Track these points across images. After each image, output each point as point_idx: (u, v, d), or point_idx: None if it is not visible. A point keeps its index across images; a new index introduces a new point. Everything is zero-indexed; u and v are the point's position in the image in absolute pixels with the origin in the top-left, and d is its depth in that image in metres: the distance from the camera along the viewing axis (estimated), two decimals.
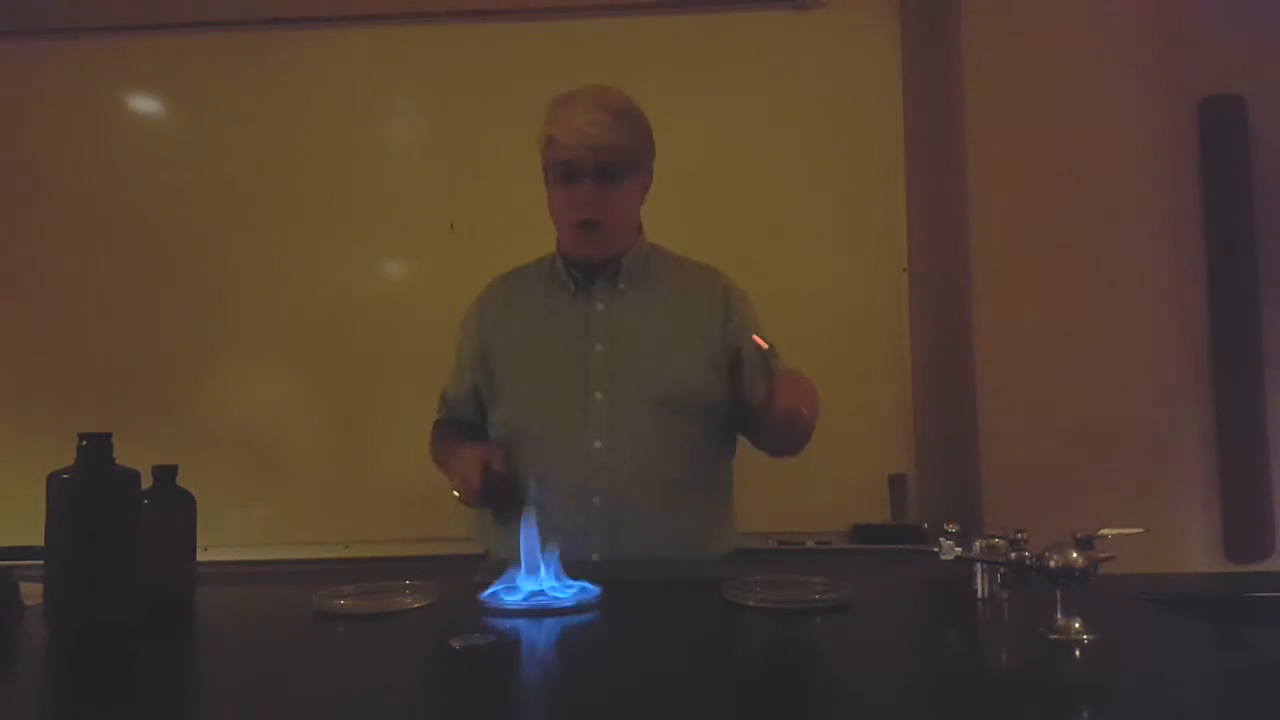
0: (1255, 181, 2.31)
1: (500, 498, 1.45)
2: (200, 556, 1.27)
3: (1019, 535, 1.07)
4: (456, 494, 1.50)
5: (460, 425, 1.70)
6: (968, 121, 2.38)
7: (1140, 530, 1.02)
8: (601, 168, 1.50)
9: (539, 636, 1.06)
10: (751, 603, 1.14)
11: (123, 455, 1.10)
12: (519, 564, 1.17)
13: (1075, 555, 0.96)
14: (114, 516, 1.08)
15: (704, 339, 1.57)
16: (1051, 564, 0.97)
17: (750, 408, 1.49)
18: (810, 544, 2.23)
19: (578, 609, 1.14)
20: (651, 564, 1.43)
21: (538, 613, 1.13)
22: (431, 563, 2.15)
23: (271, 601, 1.42)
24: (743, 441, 1.65)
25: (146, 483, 1.16)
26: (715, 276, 1.65)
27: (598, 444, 1.50)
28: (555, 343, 1.57)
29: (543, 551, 1.17)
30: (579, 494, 1.49)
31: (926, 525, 2.29)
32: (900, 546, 2.24)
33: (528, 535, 1.17)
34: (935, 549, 1.15)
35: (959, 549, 1.13)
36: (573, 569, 1.19)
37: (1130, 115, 2.35)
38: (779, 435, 1.49)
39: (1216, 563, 2.24)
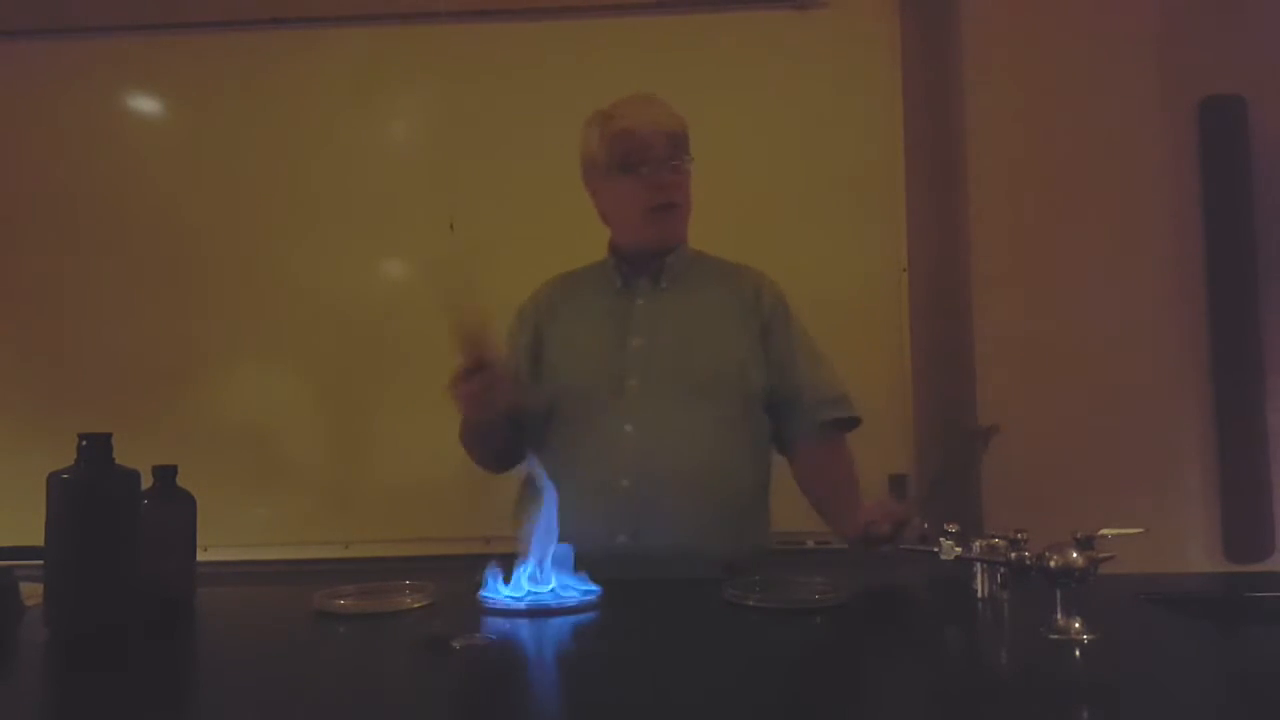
0: (1255, 181, 2.30)
1: (490, 402, 1.44)
2: (200, 556, 1.27)
3: (1019, 535, 1.07)
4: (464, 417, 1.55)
5: None
6: (968, 121, 2.38)
7: (1140, 530, 1.02)
8: (673, 151, 1.57)
9: (539, 636, 1.06)
10: (751, 603, 1.14)
11: (123, 455, 1.10)
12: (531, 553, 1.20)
13: (1075, 555, 0.97)
14: (114, 516, 1.08)
15: (741, 323, 1.62)
16: (1051, 564, 0.98)
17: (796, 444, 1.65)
18: (810, 544, 2.22)
19: (578, 609, 1.15)
20: (674, 556, 1.42)
21: (538, 613, 1.13)
22: (431, 563, 2.15)
23: (271, 601, 1.42)
24: None
25: (146, 483, 1.16)
26: (751, 271, 1.71)
27: (629, 428, 1.52)
28: (597, 334, 1.62)
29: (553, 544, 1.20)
30: (608, 476, 1.49)
31: (926, 525, 2.29)
32: (900, 546, 2.24)
33: (546, 523, 1.20)
34: (935, 549, 1.15)
35: (959, 549, 1.14)
36: (596, 554, 1.21)
37: (1130, 115, 2.34)
38: (823, 510, 1.66)
39: (1216, 563, 2.23)
